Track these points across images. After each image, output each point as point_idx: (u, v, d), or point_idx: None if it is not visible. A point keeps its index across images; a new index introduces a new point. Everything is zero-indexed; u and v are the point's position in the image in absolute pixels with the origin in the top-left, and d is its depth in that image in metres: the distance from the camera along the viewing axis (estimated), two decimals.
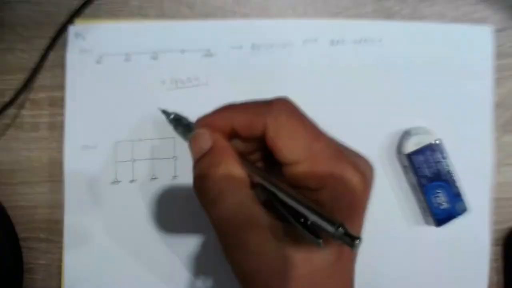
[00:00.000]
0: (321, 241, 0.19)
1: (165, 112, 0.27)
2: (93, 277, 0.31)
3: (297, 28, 0.33)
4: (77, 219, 0.31)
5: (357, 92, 0.33)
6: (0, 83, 0.32)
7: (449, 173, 0.31)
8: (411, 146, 0.31)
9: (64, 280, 0.31)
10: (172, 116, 0.26)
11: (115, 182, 0.31)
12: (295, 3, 0.33)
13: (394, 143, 0.33)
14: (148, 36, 0.32)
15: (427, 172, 0.31)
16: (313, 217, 0.19)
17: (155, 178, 0.31)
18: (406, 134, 0.32)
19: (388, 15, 0.34)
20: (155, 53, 0.32)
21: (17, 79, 0.32)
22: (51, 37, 0.32)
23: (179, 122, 0.26)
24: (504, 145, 0.34)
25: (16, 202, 0.31)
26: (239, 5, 0.33)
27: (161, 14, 0.32)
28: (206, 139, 0.22)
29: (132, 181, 0.31)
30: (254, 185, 0.22)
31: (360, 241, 0.18)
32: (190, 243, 0.31)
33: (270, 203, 0.21)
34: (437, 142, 0.31)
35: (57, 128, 0.32)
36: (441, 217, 0.31)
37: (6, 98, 0.31)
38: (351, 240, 0.18)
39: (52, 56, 0.32)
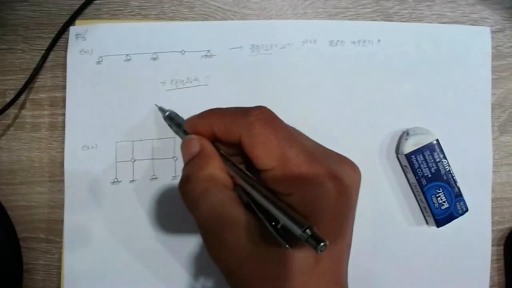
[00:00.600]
0: (288, 245, 0.19)
1: (161, 109, 0.28)
2: (93, 277, 0.31)
3: (296, 29, 0.33)
4: (77, 219, 0.31)
5: (356, 93, 0.33)
6: (0, 83, 0.32)
7: (449, 173, 0.31)
8: (410, 146, 0.31)
9: (64, 280, 0.31)
10: (166, 114, 0.28)
11: (115, 182, 0.31)
12: (295, 3, 0.33)
13: (394, 143, 0.33)
14: (148, 37, 0.32)
15: (426, 172, 0.31)
16: (283, 219, 0.20)
17: (155, 178, 0.31)
18: (405, 134, 0.32)
19: (387, 15, 0.34)
20: (155, 54, 0.32)
21: (18, 79, 0.32)
22: (52, 38, 0.32)
23: (172, 121, 0.27)
24: (502, 145, 0.34)
25: (16, 202, 0.32)
26: (238, 6, 0.33)
27: (161, 14, 0.33)
28: (194, 144, 0.23)
29: (132, 181, 0.31)
30: (236, 187, 0.23)
31: (325, 245, 0.18)
32: (189, 243, 0.31)
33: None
34: (436, 142, 0.31)
35: (57, 128, 0.32)
36: (441, 218, 0.31)
37: (7, 98, 0.31)
38: (316, 243, 0.18)
39: (52, 56, 0.32)
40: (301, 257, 0.20)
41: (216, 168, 0.23)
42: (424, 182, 0.31)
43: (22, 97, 0.32)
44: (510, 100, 0.34)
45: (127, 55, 0.32)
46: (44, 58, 0.32)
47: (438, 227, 0.31)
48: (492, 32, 0.34)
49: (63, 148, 0.31)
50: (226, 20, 0.33)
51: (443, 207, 0.31)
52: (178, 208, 0.31)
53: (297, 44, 0.33)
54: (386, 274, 0.32)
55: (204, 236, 0.22)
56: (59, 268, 0.31)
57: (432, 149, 0.31)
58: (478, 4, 0.34)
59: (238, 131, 0.22)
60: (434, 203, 0.31)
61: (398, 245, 0.33)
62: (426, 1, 0.34)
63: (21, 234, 0.31)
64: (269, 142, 0.21)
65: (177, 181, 0.31)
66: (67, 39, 0.32)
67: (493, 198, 0.33)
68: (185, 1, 0.33)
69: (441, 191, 0.31)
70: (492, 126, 0.34)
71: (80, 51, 0.32)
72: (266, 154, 0.21)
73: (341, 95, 0.33)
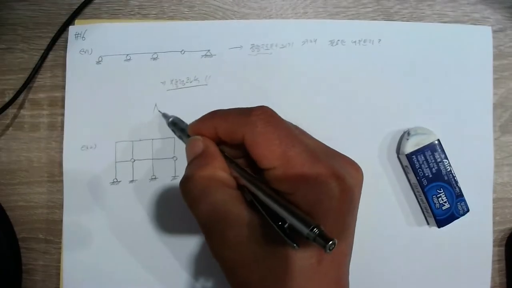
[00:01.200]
0: (295, 244, 0.19)
1: (164, 116, 0.29)
2: (92, 278, 0.31)
3: (296, 28, 0.33)
4: (76, 220, 0.31)
5: (357, 93, 0.33)
6: None
7: (450, 173, 0.31)
8: (411, 146, 0.31)
9: (63, 281, 0.31)
10: (170, 120, 0.29)
11: (115, 182, 0.31)
12: (295, 3, 0.33)
13: (394, 143, 0.33)
14: (148, 36, 0.32)
15: (427, 172, 0.31)
16: (290, 219, 0.20)
17: (155, 178, 0.31)
18: (406, 134, 0.32)
19: (388, 15, 0.34)
20: (155, 53, 0.32)
21: (17, 79, 0.32)
22: (51, 37, 0.32)
23: (176, 126, 0.28)
24: (504, 145, 0.34)
25: (15, 202, 0.31)
26: (238, 5, 0.33)
27: (161, 14, 0.32)
28: (198, 144, 0.24)
29: (131, 181, 0.31)
30: (240, 187, 0.23)
31: (334, 244, 0.18)
32: (189, 243, 0.31)
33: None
34: (437, 142, 0.31)
35: (56, 128, 0.32)
36: (442, 218, 0.31)
37: (6, 98, 0.31)
38: (325, 242, 0.18)
39: (52, 56, 0.32)
40: (303, 257, 0.20)
41: (217, 167, 0.23)
42: (425, 182, 0.31)
43: (21, 97, 0.32)
44: (511, 100, 0.34)
45: (127, 55, 0.32)
46: (43, 57, 0.32)
47: (439, 227, 0.31)
48: (494, 31, 0.34)
49: (62, 148, 0.31)
50: (226, 19, 0.33)
51: (444, 208, 0.31)
52: (177, 209, 0.31)
53: (297, 44, 0.33)
54: (387, 274, 0.32)
55: (205, 234, 0.22)
56: (58, 268, 0.31)
57: (433, 149, 0.31)
58: (479, 3, 0.34)
59: (241, 131, 0.22)
60: (435, 203, 0.31)
61: (399, 245, 0.32)
62: (427, 0, 0.34)
63: (20, 235, 0.31)
64: (271, 141, 0.21)
65: (177, 181, 0.31)
66: (67, 38, 0.32)
67: (494, 198, 0.33)
68: (184, 0, 0.33)
69: (442, 191, 0.31)
70: (494, 126, 0.33)
71: (80, 51, 0.32)
72: (269, 153, 0.21)
73: (342, 94, 0.33)
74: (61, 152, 0.31)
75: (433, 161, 0.31)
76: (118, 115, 0.31)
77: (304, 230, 0.19)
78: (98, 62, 0.32)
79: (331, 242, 0.18)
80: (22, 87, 0.31)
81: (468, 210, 0.31)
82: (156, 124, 0.31)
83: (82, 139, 0.31)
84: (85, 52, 0.32)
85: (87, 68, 0.31)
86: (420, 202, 0.32)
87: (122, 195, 0.31)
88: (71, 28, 0.32)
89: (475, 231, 0.33)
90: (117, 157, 0.31)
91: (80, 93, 0.31)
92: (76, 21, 0.32)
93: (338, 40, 0.33)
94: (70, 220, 0.31)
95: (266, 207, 0.21)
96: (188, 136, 0.26)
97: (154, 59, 0.32)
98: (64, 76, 0.31)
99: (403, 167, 0.33)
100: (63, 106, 0.31)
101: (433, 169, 0.31)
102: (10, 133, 0.32)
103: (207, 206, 0.22)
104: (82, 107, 0.31)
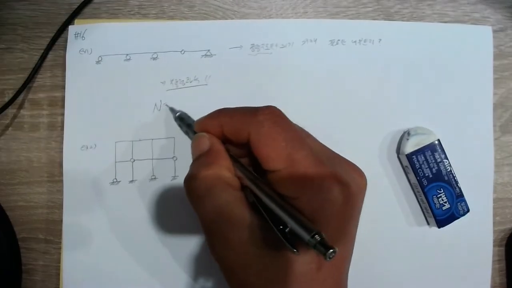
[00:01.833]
0: (295, 250, 0.19)
1: (172, 110, 0.29)
2: (92, 278, 0.31)
3: (296, 28, 0.33)
4: (76, 220, 0.31)
5: (357, 92, 0.33)
6: None
7: (450, 173, 0.31)
8: (411, 146, 0.31)
9: (62, 281, 0.31)
10: (177, 114, 0.28)
11: (115, 182, 0.31)
12: (295, 2, 0.33)
13: (394, 143, 0.33)
14: (148, 36, 0.32)
15: (427, 172, 0.31)
16: (291, 223, 0.20)
17: (154, 178, 0.31)
18: (406, 134, 0.32)
19: (388, 14, 0.34)
20: (155, 53, 0.32)
21: (17, 79, 0.32)
22: (51, 37, 0.32)
23: (182, 121, 0.28)
24: (504, 145, 0.34)
25: (15, 202, 0.31)
26: (238, 5, 0.33)
27: (161, 14, 0.32)
28: (204, 142, 0.23)
29: (131, 181, 0.31)
30: (244, 188, 0.23)
31: (334, 252, 0.18)
32: (189, 244, 0.31)
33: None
34: (438, 142, 0.31)
35: (56, 128, 0.32)
36: (442, 218, 0.31)
37: (6, 98, 0.31)
38: (325, 249, 0.18)
39: (51, 56, 0.32)
40: (303, 263, 0.20)
41: (223, 167, 0.22)
42: (425, 182, 0.31)
43: (21, 96, 0.32)
44: (511, 100, 0.34)
45: (127, 54, 0.32)
46: (43, 57, 0.32)
47: (439, 227, 0.31)
48: (494, 31, 0.34)
49: (62, 148, 0.31)
50: (226, 19, 0.33)
51: (444, 208, 0.31)
52: (177, 209, 0.31)
53: (297, 44, 0.32)
54: (387, 274, 0.32)
55: (207, 234, 0.22)
56: (58, 268, 0.31)
57: (433, 149, 0.31)
58: (480, 3, 0.34)
59: (247, 130, 0.22)
60: (435, 203, 0.31)
61: (399, 245, 0.32)
62: (427, 0, 0.34)
63: (20, 235, 0.31)
64: (277, 143, 0.21)
65: (176, 181, 0.31)
66: (66, 38, 0.32)
67: (494, 198, 0.33)
68: (184, 0, 0.33)
69: (442, 191, 0.31)
70: (494, 126, 0.33)
71: (80, 51, 0.32)
72: (274, 154, 0.21)
73: (342, 94, 0.33)
74: (61, 152, 0.31)
75: (433, 161, 0.31)
76: (118, 115, 0.31)
77: (305, 236, 0.19)
78: (98, 62, 0.32)
79: (331, 251, 0.18)
80: (21, 87, 0.31)
81: (468, 210, 0.31)
82: (156, 124, 0.31)
83: (82, 139, 0.31)
84: (84, 52, 0.32)
85: (87, 68, 0.31)
86: (420, 202, 0.32)
87: (122, 195, 0.31)
88: (70, 28, 0.32)
89: (475, 231, 0.33)
90: (117, 157, 0.31)
91: (80, 93, 0.31)
92: (76, 20, 0.32)
93: (338, 40, 0.33)
94: (70, 220, 0.31)
95: (268, 210, 0.21)
96: (194, 132, 0.25)
97: (154, 59, 0.32)
98: (64, 76, 0.31)
99: (403, 167, 0.33)
100: (63, 106, 0.31)
101: (433, 169, 0.31)
102: (10, 133, 0.32)
103: (211, 206, 0.21)
104: (82, 107, 0.31)
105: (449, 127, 0.33)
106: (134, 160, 0.31)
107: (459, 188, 0.31)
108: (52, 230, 0.31)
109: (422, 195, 0.31)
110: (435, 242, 0.33)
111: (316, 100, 0.32)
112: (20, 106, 0.32)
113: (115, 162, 0.31)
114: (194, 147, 0.24)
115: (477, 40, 0.34)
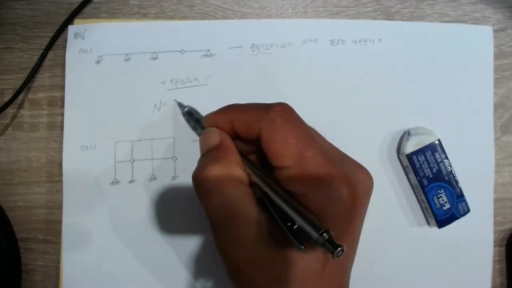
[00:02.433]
0: (303, 247, 0.19)
1: (180, 105, 0.29)
2: (92, 278, 0.31)
3: (296, 28, 0.33)
4: (75, 220, 0.31)
5: (357, 92, 0.33)
6: None
7: (450, 173, 0.31)
8: (411, 146, 0.31)
9: (62, 282, 0.30)
10: (186, 110, 0.28)
11: (114, 182, 0.31)
12: (295, 2, 0.33)
13: (395, 143, 0.33)
14: (148, 36, 0.32)
15: (428, 172, 0.31)
16: (299, 221, 0.19)
17: (154, 178, 0.31)
18: (406, 134, 0.32)
19: (389, 14, 0.33)
20: (155, 53, 0.32)
21: (16, 79, 0.32)
22: (51, 37, 0.31)
23: (191, 116, 0.28)
24: (505, 145, 0.34)
25: (14, 203, 0.31)
26: (238, 5, 0.33)
27: (161, 13, 0.32)
28: (214, 136, 0.23)
29: (131, 181, 0.31)
30: (252, 184, 0.23)
31: (342, 250, 0.18)
32: (189, 244, 0.31)
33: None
34: (438, 142, 0.31)
35: (56, 128, 0.32)
36: (443, 218, 0.31)
37: (5, 98, 0.31)
38: (333, 248, 0.18)
39: (51, 56, 0.32)
40: (309, 261, 0.20)
41: (233, 162, 0.22)
42: (425, 182, 0.31)
43: (21, 96, 0.31)
44: None
45: (127, 54, 0.32)
46: (43, 57, 0.31)
47: (439, 227, 0.31)
48: (494, 31, 0.34)
49: (62, 148, 0.31)
50: (226, 19, 0.33)
51: (444, 208, 0.31)
52: (177, 209, 0.31)
53: (297, 44, 0.32)
54: (387, 275, 0.32)
55: (214, 230, 0.22)
56: (57, 269, 0.31)
57: (433, 149, 0.31)
58: (480, 2, 0.34)
59: (258, 126, 0.22)
60: (435, 203, 0.31)
61: (399, 245, 0.32)
62: (427, 0, 0.34)
63: (20, 235, 0.31)
64: (288, 139, 0.21)
65: (176, 181, 0.31)
66: (66, 38, 0.32)
67: (495, 198, 0.33)
68: (184, 0, 0.33)
69: (442, 191, 0.31)
70: (494, 126, 0.33)
71: (79, 51, 0.32)
72: (285, 151, 0.21)
73: (342, 94, 0.33)
74: (61, 152, 0.31)
75: (434, 161, 0.31)
76: (117, 115, 0.31)
77: (314, 234, 0.19)
78: (98, 62, 0.32)
79: (339, 249, 0.18)
80: (21, 87, 0.31)
81: (468, 210, 0.31)
82: (156, 124, 0.31)
83: (82, 139, 0.31)
84: (84, 51, 0.32)
85: (86, 68, 0.31)
86: (421, 202, 0.32)
87: (122, 195, 0.31)
88: (70, 27, 0.32)
89: (475, 232, 0.33)
90: (117, 157, 0.31)
91: (80, 93, 0.31)
92: (76, 20, 0.32)
93: (339, 40, 0.33)
94: (69, 220, 0.31)
95: (276, 207, 0.21)
96: (203, 127, 0.25)
97: (154, 58, 0.32)
98: (63, 76, 0.31)
99: (404, 167, 0.32)
100: (62, 106, 0.31)
101: (434, 169, 0.31)
102: (9, 133, 0.32)
103: (219, 201, 0.21)
104: (81, 107, 0.31)
105: (450, 127, 0.33)
106: (134, 160, 0.31)
107: (460, 188, 0.31)
108: (52, 230, 0.31)
109: (423, 195, 0.31)
110: (435, 242, 0.32)
111: (316, 100, 0.32)
112: (20, 106, 0.32)
113: (115, 162, 0.31)
114: (203, 141, 0.24)
115: (478, 40, 0.34)
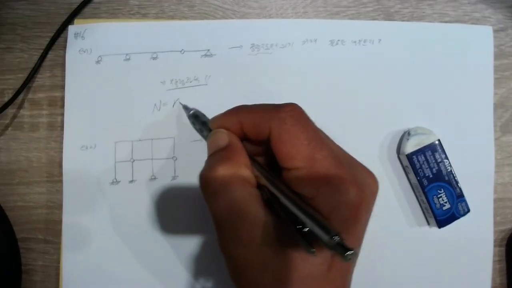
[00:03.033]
0: (313, 250, 0.19)
1: (185, 108, 0.28)
2: (92, 278, 0.31)
3: (296, 28, 0.33)
4: (76, 220, 0.31)
5: (357, 93, 0.33)
6: None
7: (450, 173, 0.31)
8: (411, 146, 0.31)
9: (62, 282, 0.30)
10: (191, 112, 0.28)
11: (114, 182, 0.31)
12: (295, 2, 0.33)
13: (395, 143, 0.33)
14: (147, 36, 0.32)
15: (428, 172, 0.31)
16: (310, 224, 0.19)
17: (154, 178, 0.31)
18: (406, 134, 0.32)
19: (389, 14, 0.33)
20: (155, 53, 0.32)
21: (16, 79, 0.32)
22: (51, 37, 0.32)
23: (197, 119, 0.27)
24: (505, 145, 0.34)
25: (14, 203, 0.31)
26: (238, 5, 0.33)
27: (161, 13, 0.32)
28: (223, 137, 0.23)
29: (131, 181, 0.31)
30: (260, 186, 0.23)
31: (353, 253, 0.18)
32: (189, 244, 0.31)
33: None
34: (438, 142, 0.31)
35: (56, 128, 0.32)
36: (443, 218, 0.31)
37: (5, 98, 0.31)
38: (344, 251, 0.18)
39: (51, 56, 0.32)
40: (315, 263, 0.20)
41: (242, 163, 0.22)
42: (425, 182, 0.31)
43: (21, 96, 0.31)
44: None
45: (127, 54, 0.32)
46: (43, 57, 0.31)
47: (439, 227, 0.31)
48: (494, 31, 0.34)
49: (62, 148, 0.31)
50: (226, 19, 0.33)
51: (444, 208, 0.31)
52: (177, 209, 0.31)
53: (297, 44, 0.32)
54: (387, 274, 0.32)
55: (219, 230, 0.22)
56: (57, 269, 0.31)
57: (433, 149, 0.31)
58: (480, 3, 0.34)
59: (267, 127, 0.22)
60: (435, 203, 0.31)
61: (399, 245, 0.32)
62: (427, 0, 0.34)
63: (20, 235, 0.31)
64: (299, 140, 0.21)
65: (176, 181, 0.31)
66: (66, 38, 0.32)
67: (495, 198, 0.33)
68: (184, 0, 0.33)
69: (442, 191, 0.31)
70: (494, 126, 0.33)
71: (79, 51, 0.32)
72: (295, 152, 0.21)
73: (342, 94, 0.33)
74: (61, 152, 0.31)
75: (434, 161, 0.31)
76: (117, 115, 0.31)
77: (324, 237, 0.18)
78: (98, 62, 0.32)
79: (351, 252, 0.18)
80: (21, 87, 0.31)
81: (468, 210, 0.31)
82: (156, 124, 0.31)
83: (82, 139, 0.31)
84: (84, 51, 0.32)
85: (86, 68, 0.31)
86: (421, 202, 0.32)
87: (122, 195, 0.31)
88: (70, 27, 0.32)
89: (475, 231, 0.33)
90: (117, 157, 0.31)
91: (80, 93, 0.31)
92: (76, 20, 0.32)
93: (338, 40, 0.33)
94: (69, 220, 0.31)
95: (286, 209, 0.21)
96: (209, 130, 0.25)
97: (154, 58, 0.32)
98: (63, 76, 0.31)
99: (404, 167, 0.32)
100: (62, 106, 0.31)
101: (434, 169, 0.31)
102: (9, 133, 0.32)
103: (226, 202, 0.21)
104: (81, 107, 0.31)
105: (450, 127, 0.33)
106: (134, 160, 0.31)
107: (460, 188, 0.31)
108: (52, 230, 0.31)
109: (423, 195, 0.31)
110: (435, 242, 0.32)
111: (316, 100, 0.32)
112: (20, 106, 0.32)
113: (115, 162, 0.31)
114: (211, 142, 0.24)
115: (478, 40, 0.34)
